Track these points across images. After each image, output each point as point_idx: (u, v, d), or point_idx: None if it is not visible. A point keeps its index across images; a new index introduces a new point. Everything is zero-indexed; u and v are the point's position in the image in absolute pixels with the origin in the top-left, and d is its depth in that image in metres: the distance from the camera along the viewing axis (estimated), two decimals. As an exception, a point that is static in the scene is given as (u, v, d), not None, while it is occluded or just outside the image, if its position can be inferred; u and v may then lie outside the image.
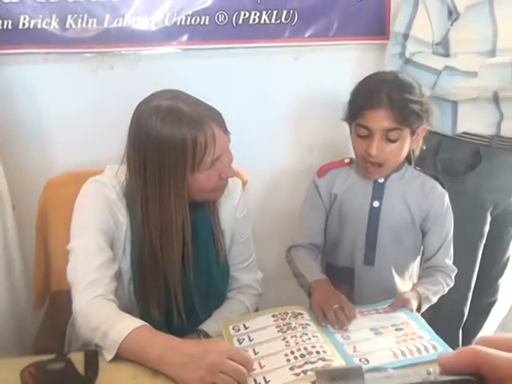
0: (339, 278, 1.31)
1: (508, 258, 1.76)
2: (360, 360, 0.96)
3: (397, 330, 1.07)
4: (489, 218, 1.62)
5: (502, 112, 1.51)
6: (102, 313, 0.97)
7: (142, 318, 1.01)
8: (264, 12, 1.68)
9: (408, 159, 1.33)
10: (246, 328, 1.07)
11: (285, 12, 1.70)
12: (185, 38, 1.66)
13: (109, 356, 0.92)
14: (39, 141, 1.68)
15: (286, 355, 0.95)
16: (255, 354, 0.97)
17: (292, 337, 1.01)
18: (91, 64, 1.64)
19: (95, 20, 1.58)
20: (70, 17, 1.56)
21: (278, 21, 1.70)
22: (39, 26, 1.55)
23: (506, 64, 1.40)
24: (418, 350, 1.00)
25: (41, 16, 1.55)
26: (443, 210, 1.32)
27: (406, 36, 1.54)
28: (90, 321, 0.97)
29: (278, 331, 1.04)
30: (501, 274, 1.78)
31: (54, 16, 1.55)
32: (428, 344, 1.02)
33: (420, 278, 1.35)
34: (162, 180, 1.04)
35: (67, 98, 1.65)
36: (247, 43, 1.71)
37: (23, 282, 1.54)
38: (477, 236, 1.63)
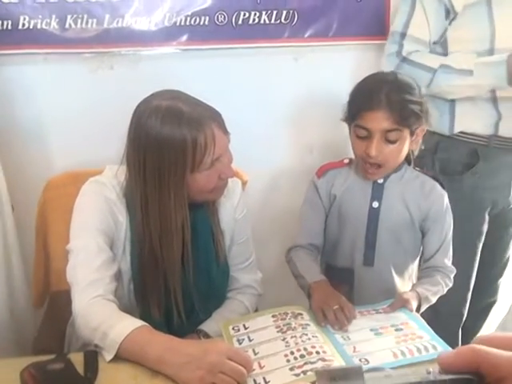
0: (339, 279, 1.31)
1: (508, 259, 1.76)
2: (360, 360, 0.96)
3: (396, 330, 1.07)
4: (487, 218, 1.62)
5: (500, 112, 1.51)
6: (101, 313, 0.97)
7: (141, 318, 1.00)
8: (264, 12, 1.68)
9: (407, 160, 1.33)
10: (245, 328, 1.07)
11: (284, 12, 1.70)
12: (184, 38, 1.66)
13: (108, 356, 0.92)
14: (39, 141, 1.67)
15: (286, 355, 0.95)
16: (255, 354, 0.97)
17: (292, 337, 1.01)
18: (91, 64, 1.64)
19: (95, 20, 1.58)
20: (69, 17, 1.56)
21: (278, 21, 1.70)
22: (39, 27, 1.55)
23: (501, 62, 1.40)
24: (418, 349, 1.00)
25: (40, 16, 1.55)
26: (443, 211, 1.32)
27: (403, 35, 1.54)
28: (89, 321, 0.97)
29: (278, 331, 1.04)
30: (500, 274, 1.78)
31: (54, 16, 1.55)
32: (428, 344, 1.01)
33: (419, 278, 1.35)
34: (161, 180, 1.04)
35: (67, 98, 1.65)
36: (247, 43, 1.71)
37: (23, 283, 1.54)
38: (475, 235, 1.63)
